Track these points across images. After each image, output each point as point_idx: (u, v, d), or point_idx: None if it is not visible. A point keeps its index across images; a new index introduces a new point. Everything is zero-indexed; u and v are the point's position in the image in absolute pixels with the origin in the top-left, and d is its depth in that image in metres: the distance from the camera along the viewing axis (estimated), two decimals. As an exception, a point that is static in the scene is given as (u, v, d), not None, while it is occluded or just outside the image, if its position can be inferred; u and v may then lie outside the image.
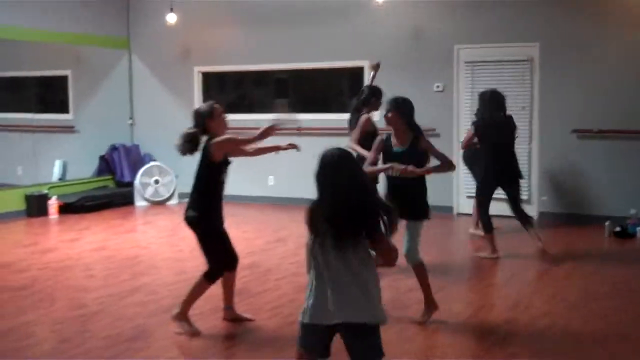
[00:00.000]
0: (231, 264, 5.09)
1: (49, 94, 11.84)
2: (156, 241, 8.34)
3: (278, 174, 10.35)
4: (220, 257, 4.99)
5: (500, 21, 9.21)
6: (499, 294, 6.07)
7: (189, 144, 4.96)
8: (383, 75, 9.39)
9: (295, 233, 8.01)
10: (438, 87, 9.45)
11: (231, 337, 4.91)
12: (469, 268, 7.17)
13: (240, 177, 9.66)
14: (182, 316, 4.95)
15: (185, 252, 7.42)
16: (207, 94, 11.00)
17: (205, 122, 4.98)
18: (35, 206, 9.65)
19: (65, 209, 9.74)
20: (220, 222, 5.02)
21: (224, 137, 4.95)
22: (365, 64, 9.82)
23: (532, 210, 9.22)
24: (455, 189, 9.49)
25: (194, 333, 4.88)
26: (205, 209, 4.95)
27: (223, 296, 5.18)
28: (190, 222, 4.98)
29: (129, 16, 11.35)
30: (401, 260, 4.04)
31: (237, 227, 7.75)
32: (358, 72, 9.99)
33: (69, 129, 10.92)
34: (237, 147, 5.12)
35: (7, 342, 4.81)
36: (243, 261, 6.81)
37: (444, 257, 7.38)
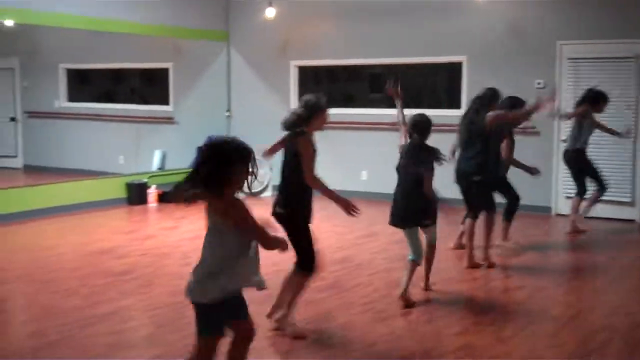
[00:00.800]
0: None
1: (151, 86, 12.22)
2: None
3: (371, 169, 10.33)
4: (311, 249, 4.81)
5: (605, 16, 8.88)
6: (599, 299, 5.86)
7: (292, 124, 4.84)
8: (483, 72, 9.28)
9: (387, 228, 7.94)
10: (539, 84, 9.19)
11: (321, 332, 4.91)
12: (569, 270, 6.96)
13: (333, 172, 9.71)
14: (285, 320, 4.79)
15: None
16: (302, 88, 11.09)
17: (312, 114, 4.82)
18: (136, 194, 9.97)
19: (164, 197, 10.01)
20: (310, 217, 4.84)
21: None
22: (464, 59, 9.69)
23: (634, 212, 8.88)
24: (554, 189, 9.23)
25: (301, 335, 4.75)
26: (297, 204, 4.82)
27: (279, 297, 4.93)
28: (281, 217, 4.79)
29: (229, 10, 11.56)
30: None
31: (328, 221, 7.80)
32: (456, 67, 9.84)
33: (169, 120, 11.22)
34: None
35: (108, 325, 4.98)
36: (334, 255, 6.92)
37: (543, 258, 7.19)
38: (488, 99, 6.55)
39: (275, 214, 4.77)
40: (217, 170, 3.31)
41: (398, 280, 5.96)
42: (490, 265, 6.54)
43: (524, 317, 5.25)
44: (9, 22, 9.17)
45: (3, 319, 5.34)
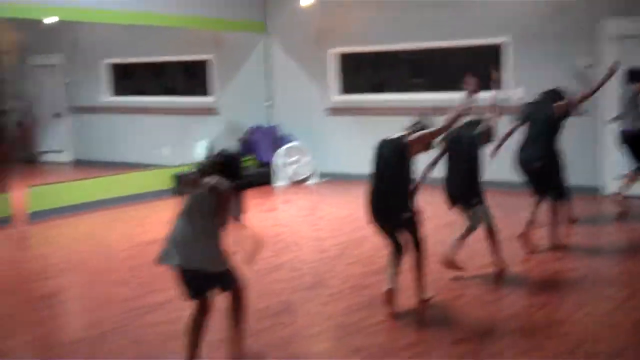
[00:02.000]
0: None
1: (192, 78, 12.30)
2: (296, 220, 8.50)
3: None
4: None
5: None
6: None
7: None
8: (524, 51, 9.13)
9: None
10: (585, 63, 9.00)
11: (371, 316, 4.89)
12: (622, 250, 6.84)
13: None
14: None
15: (325, 230, 7.52)
16: (341, 75, 11.07)
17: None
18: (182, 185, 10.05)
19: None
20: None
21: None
22: (506, 40, 9.53)
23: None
24: (605, 169, 9.03)
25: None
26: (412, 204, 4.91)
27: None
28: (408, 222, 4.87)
29: (266, 0, 11.57)
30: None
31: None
32: (495, 49, 9.71)
33: (211, 111, 11.30)
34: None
35: (161, 314, 5.05)
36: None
37: (595, 239, 7.09)
38: (557, 94, 6.69)
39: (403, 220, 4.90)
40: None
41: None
42: (559, 247, 6.50)
43: (578, 298, 5.18)
44: (53, 19, 9.31)
45: (58, 310, 5.45)
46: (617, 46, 8.88)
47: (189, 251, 3.88)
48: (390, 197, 4.83)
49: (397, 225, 4.88)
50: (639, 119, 7.81)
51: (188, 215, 3.94)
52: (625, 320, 4.71)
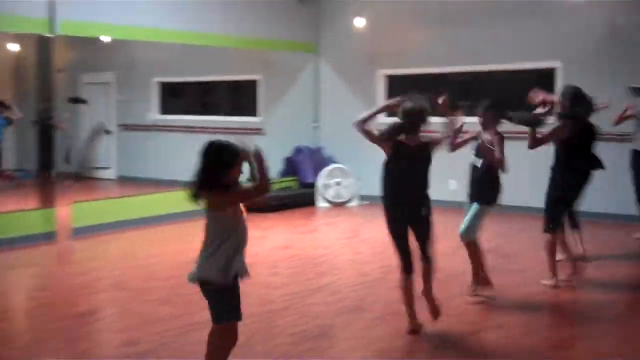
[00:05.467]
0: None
1: (240, 98, 12.42)
2: (337, 242, 8.47)
3: (460, 178, 10.13)
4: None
5: None
6: None
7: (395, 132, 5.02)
8: (577, 76, 8.99)
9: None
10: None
11: (414, 342, 4.84)
12: None
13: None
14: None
15: (365, 254, 7.47)
16: (390, 97, 11.03)
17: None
18: (225, 204, 10.10)
19: (252, 207, 10.10)
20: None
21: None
22: (558, 64, 9.42)
23: None
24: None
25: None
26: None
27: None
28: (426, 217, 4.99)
29: (319, 21, 11.63)
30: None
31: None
32: (548, 73, 9.59)
33: (257, 130, 11.37)
34: None
35: (200, 335, 5.03)
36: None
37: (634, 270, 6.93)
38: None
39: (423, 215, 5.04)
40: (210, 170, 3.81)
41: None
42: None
43: (620, 332, 5.05)
44: (105, 38, 9.49)
45: (98, 326, 5.49)
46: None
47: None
48: (415, 190, 4.99)
49: (415, 219, 4.94)
50: None
51: None
52: None
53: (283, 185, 11.21)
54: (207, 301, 3.86)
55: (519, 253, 7.35)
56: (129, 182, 11.52)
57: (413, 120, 4.94)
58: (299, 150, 11.32)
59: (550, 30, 9.54)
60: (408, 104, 4.99)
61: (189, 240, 8.34)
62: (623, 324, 5.25)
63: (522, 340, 4.94)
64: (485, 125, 5.77)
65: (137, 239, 8.58)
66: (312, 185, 11.02)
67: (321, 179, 10.92)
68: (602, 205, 8.90)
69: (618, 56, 9.03)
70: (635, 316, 5.49)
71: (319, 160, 11.37)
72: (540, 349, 4.71)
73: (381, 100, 11.04)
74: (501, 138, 5.65)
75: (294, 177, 11.33)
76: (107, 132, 12.61)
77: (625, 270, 6.83)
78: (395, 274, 5.34)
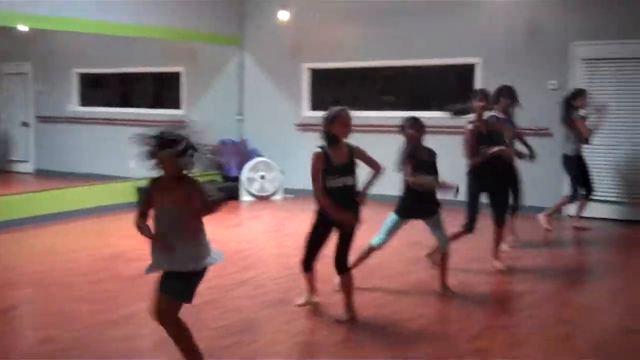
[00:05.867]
0: None
1: (163, 90, 12.24)
2: (262, 236, 8.46)
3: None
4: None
5: (620, 17, 8.81)
6: (614, 301, 5.79)
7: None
8: (496, 72, 9.22)
9: (401, 231, 7.94)
10: (552, 85, 9.14)
11: (336, 334, 4.89)
12: (581, 272, 6.92)
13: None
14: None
15: (290, 247, 7.47)
16: (314, 91, 11.09)
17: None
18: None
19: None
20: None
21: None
22: (478, 60, 9.63)
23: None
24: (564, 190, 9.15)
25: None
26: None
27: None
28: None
29: (243, 13, 11.56)
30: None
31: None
32: (468, 69, 9.80)
33: (180, 123, 11.21)
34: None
35: (123, 329, 4.97)
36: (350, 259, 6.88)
37: (554, 260, 7.17)
38: None
39: None
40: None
41: (412, 283, 5.97)
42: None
43: (537, 320, 5.21)
44: (23, 28, 9.21)
45: (16, 324, 5.35)
46: (585, 69, 9.02)
47: None
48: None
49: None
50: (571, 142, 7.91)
51: None
52: (584, 343, 4.75)
53: (207, 179, 11.12)
54: (179, 284, 3.96)
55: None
56: (48, 176, 11.21)
57: None
58: (223, 144, 11.24)
59: (472, 28, 9.75)
60: None
61: (108, 235, 8.23)
62: (540, 313, 5.41)
63: (441, 330, 5.06)
64: None
65: (56, 234, 8.37)
66: (236, 179, 10.97)
67: (245, 173, 10.88)
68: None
69: (537, 54, 9.30)
70: (552, 305, 5.67)
71: (243, 153, 11.32)
72: (459, 339, 4.82)
73: (305, 93, 11.07)
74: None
75: (218, 171, 11.25)
76: (25, 124, 12.24)
77: (545, 261, 7.05)
78: (318, 267, 5.39)
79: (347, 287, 5.15)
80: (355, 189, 5.07)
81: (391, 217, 5.82)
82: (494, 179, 6.39)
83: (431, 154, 5.74)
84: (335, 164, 4.99)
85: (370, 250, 5.91)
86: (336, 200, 4.94)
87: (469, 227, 6.38)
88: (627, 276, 6.53)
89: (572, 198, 8.20)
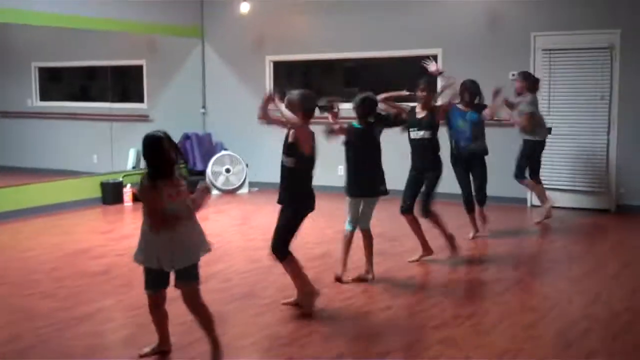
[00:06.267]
0: None
1: (125, 84, 12.10)
2: (228, 230, 8.43)
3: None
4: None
5: (579, 7, 8.94)
6: (577, 289, 5.90)
7: None
8: (458, 63, 9.28)
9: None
10: (513, 75, 9.21)
11: (304, 327, 4.91)
12: (545, 261, 7.03)
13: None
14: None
15: (257, 240, 7.47)
16: (277, 83, 11.05)
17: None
18: (111, 194, 9.87)
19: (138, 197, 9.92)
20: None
21: None
22: (439, 52, 9.69)
23: (609, 202, 8.96)
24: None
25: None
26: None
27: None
28: None
29: (203, 5, 11.48)
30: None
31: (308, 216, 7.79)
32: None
33: (143, 117, 11.12)
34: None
35: (88, 326, 4.93)
36: (314, 251, 6.92)
37: (519, 249, 7.27)
38: None
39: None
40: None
41: (377, 276, 6.00)
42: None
43: (502, 309, 5.28)
44: (-22, 20, 9.03)
45: (-21, 323, 5.26)
46: (545, 59, 9.14)
47: None
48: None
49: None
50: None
51: None
52: (549, 330, 4.83)
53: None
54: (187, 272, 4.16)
55: (402, 237, 7.49)
56: (8, 172, 11.01)
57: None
58: (187, 137, 11.16)
59: (432, 19, 9.81)
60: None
61: (69, 232, 8.13)
62: (505, 301, 5.49)
63: (409, 320, 5.10)
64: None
65: (18, 230, 8.24)
66: (201, 173, 10.91)
67: (210, 166, 10.82)
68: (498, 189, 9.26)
69: (498, 45, 9.39)
70: (516, 293, 5.75)
71: (208, 147, 11.26)
72: (426, 329, 4.87)
73: (268, 86, 11.04)
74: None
75: (183, 165, 11.17)
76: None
77: (509, 249, 7.15)
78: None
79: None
80: None
81: (346, 200, 6.05)
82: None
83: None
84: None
85: (349, 235, 6.01)
86: None
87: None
88: (590, 264, 6.64)
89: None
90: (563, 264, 6.73)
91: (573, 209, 9.07)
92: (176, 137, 11.31)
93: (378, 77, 10.77)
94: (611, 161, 8.92)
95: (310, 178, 5.18)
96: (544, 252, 7.41)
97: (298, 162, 5.06)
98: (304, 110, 5.11)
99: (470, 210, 7.51)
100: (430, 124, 6.45)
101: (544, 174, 8.74)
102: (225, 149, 11.12)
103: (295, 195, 5.14)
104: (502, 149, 8.45)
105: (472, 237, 7.45)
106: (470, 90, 7.36)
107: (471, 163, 7.43)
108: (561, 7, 9.03)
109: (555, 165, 9.14)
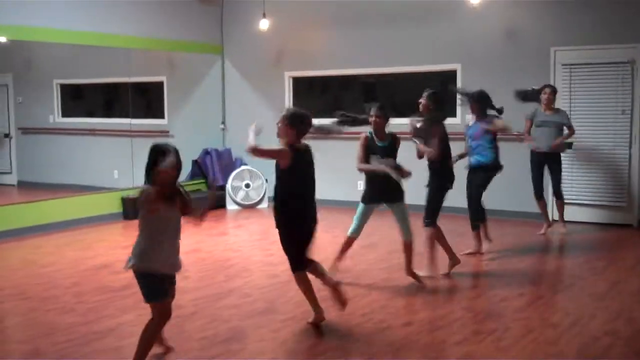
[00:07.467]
0: None
1: (145, 100, 12.19)
2: (248, 244, 8.44)
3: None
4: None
5: (599, 22, 8.91)
6: (599, 305, 5.83)
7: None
8: (477, 78, 9.27)
9: (386, 238, 7.98)
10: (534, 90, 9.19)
11: (322, 343, 4.89)
12: (566, 276, 6.96)
13: (330, 183, 9.71)
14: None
15: (276, 255, 7.45)
16: (297, 99, 11.09)
17: None
18: (132, 209, 9.92)
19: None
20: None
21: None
22: (458, 67, 9.69)
23: (632, 217, 8.88)
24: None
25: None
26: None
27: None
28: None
29: (223, 22, 11.57)
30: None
31: (327, 231, 7.81)
32: (451, 75, 9.85)
33: (164, 133, 11.20)
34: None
35: (108, 341, 4.95)
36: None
37: (540, 265, 7.22)
38: None
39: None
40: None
41: (396, 291, 5.97)
42: None
43: (523, 325, 5.23)
44: (2, 39, 9.15)
45: (0, 338, 5.29)
46: (565, 73, 9.10)
47: None
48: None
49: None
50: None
51: None
52: (570, 347, 4.77)
53: (192, 188, 11.08)
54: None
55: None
56: (30, 188, 11.12)
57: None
58: (206, 153, 11.22)
59: (451, 34, 9.81)
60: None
61: (90, 247, 8.17)
62: (526, 317, 5.44)
63: (429, 336, 5.06)
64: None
65: (39, 246, 8.30)
66: (221, 188, 10.95)
67: (230, 181, 10.86)
68: (506, 203, 9.22)
69: (517, 59, 9.37)
70: (536, 309, 5.70)
71: (227, 162, 11.31)
72: (447, 345, 4.84)
73: (288, 101, 11.08)
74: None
75: (203, 180, 11.23)
76: (6, 135, 12.15)
77: (529, 265, 7.09)
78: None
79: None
80: None
81: (359, 205, 6.21)
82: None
83: (393, 138, 6.19)
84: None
85: (350, 240, 6.28)
86: None
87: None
88: (612, 280, 6.56)
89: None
90: (585, 279, 6.66)
91: (594, 224, 9.00)
92: (196, 153, 11.49)
93: (397, 92, 10.78)
94: (633, 176, 8.85)
95: (302, 195, 5.34)
96: (565, 268, 7.34)
97: (281, 178, 5.29)
98: (296, 130, 5.31)
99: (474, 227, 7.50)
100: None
101: (565, 189, 8.69)
102: (245, 164, 11.17)
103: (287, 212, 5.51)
104: (521, 164, 8.42)
105: (467, 252, 7.36)
106: (477, 101, 7.29)
107: (471, 177, 7.39)
108: (581, 22, 9.00)
109: (576, 180, 9.08)
